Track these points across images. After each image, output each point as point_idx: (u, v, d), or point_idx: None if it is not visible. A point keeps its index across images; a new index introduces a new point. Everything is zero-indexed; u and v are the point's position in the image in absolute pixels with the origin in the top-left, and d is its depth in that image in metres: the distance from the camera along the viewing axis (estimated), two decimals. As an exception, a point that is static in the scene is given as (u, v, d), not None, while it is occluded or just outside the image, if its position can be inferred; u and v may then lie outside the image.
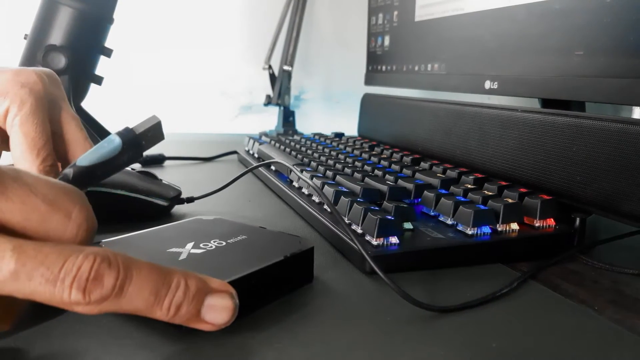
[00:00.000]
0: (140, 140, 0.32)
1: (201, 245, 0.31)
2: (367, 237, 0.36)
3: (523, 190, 0.43)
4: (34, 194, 0.21)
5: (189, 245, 0.31)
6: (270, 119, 1.16)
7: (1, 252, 0.20)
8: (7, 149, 0.37)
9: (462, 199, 0.41)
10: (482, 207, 0.39)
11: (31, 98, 0.36)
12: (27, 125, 0.35)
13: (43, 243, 0.21)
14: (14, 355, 0.24)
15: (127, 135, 0.32)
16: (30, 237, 0.21)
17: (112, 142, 0.31)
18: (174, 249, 0.30)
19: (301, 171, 0.50)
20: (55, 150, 0.37)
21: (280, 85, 1.06)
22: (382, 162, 0.57)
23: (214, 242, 0.32)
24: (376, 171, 0.52)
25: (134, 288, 0.21)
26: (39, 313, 0.28)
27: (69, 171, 0.30)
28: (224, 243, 0.32)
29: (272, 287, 0.30)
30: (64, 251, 0.20)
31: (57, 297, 0.20)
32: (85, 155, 0.31)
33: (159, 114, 0.34)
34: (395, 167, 0.55)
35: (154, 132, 0.33)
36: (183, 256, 0.29)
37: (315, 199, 0.47)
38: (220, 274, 0.26)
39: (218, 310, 0.23)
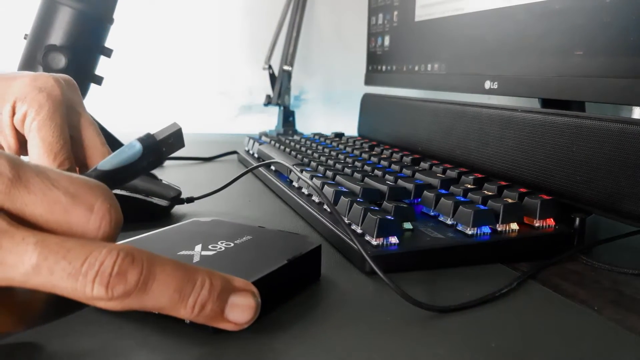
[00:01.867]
0: (161, 147, 0.33)
1: (210, 247, 0.31)
2: (367, 237, 0.36)
3: (523, 190, 0.43)
4: (55, 187, 0.21)
5: (198, 248, 0.31)
6: (270, 119, 1.16)
7: (24, 246, 0.20)
8: (26, 153, 0.37)
9: (462, 199, 0.41)
10: (482, 207, 0.39)
11: (49, 103, 0.36)
12: (44, 129, 0.36)
13: (66, 238, 0.21)
14: (13, 355, 0.24)
15: (148, 141, 0.32)
16: (54, 231, 0.21)
17: (133, 148, 0.32)
18: (184, 252, 0.30)
19: (301, 171, 0.50)
20: (73, 155, 0.37)
21: (280, 85, 1.06)
22: (382, 162, 0.57)
23: (222, 243, 0.32)
24: (376, 171, 0.52)
25: (158, 285, 0.21)
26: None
27: (90, 174, 0.30)
28: (232, 244, 0.32)
29: (289, 285, 0.30)
30: (87, 246, 0.21)
31: (79, 291, 0.20)
32: (106, 160, 0.31)
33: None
34: (395, 167, 0.55)
35: (175, 139, 0.34)
36: (196, 258, 0.29)
37: (315, 199, 0.47)
38: (239, 275, 0.26)
39: (241, 309, 0.23)
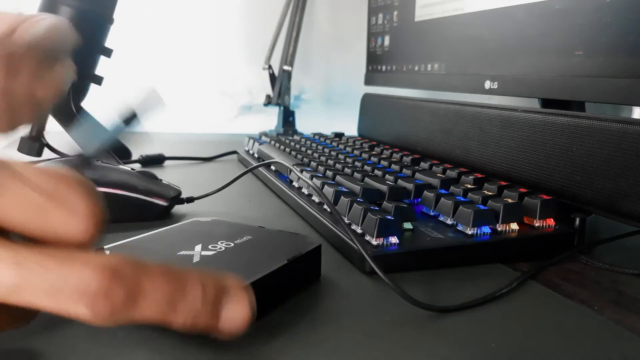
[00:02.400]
0: (141, 116, 0.32)
1: (210, 247, 0.31)
2: (367, 237, 0.36)
3: (523, 190, 0.43)
4: (29, 187, 0.19)
5: (198, 248, 0.31)
6: (270, 119, 1.16)
7: (3, 267, 0.19)
8: None
9: (462, 199, 0.41)
10: (482, 207, 0.39)
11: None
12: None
13: (47, 254, 0.19)
14: (14, 355, 0.24)
15: (128, 116, 0.32)
16: (35, 235, 0.20)
17: (114, 126, 0.31)
18: (184, 252, 0.30)
19: (301, 171, 0.50)
20: None
21: (280, 85, 1.06)
22: (382, 162, 0.57)
23: (222, 243, 0.32)
24: (376, 171, 0.52)
25: (146, 300, 0.20)
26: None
27: (71, 159, 0.30)
28: (232, 244, 0.32)
29: (289, 285, 0.30)
30: (67, 265, 0.19)
31: (63, 311, 0.19)
32: (88, 142, 0.31)
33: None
34: (395, 167, 0.55)
35: (151, 104, 0.33)
36: (196, 259, 0.29)
37: (315, 199, 0.47)
38: (239, 276, 0.26)
39: (235, 317, 0.22)
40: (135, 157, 0.74)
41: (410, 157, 0.59)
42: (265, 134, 0.91)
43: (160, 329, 0.26)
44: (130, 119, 0.32)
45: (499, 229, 0.39)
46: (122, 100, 0.32)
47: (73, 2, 0.59)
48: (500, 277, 0.35)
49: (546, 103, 0.52)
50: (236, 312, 0.22)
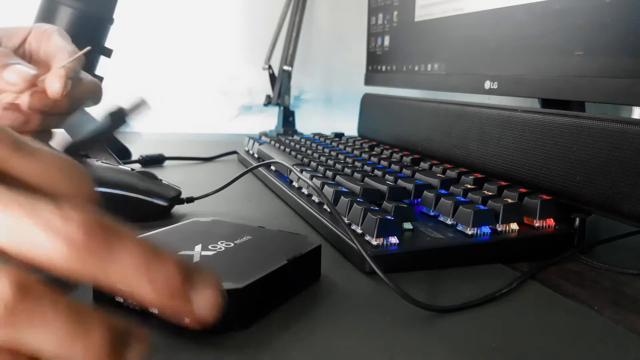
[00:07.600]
0: (128, 119, 0.33)
1: (210, 247, 0.31)
2: (367, 237, 0.36)
3: (523, 190, 0.43)
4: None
5: (198, 248, 0.31)
6: (270, 119, 1.16)
7: None
8: None
9: (462, 199, 0.41)
10: (481, 207, 0.39)
11: None
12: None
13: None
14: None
15: (118, 115, 0.32)
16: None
17: (103, 120, 0.32)
18: (184, 252, 0.30)
19: (301, 171, 0.50)
20: None
21: (280, 85, 1.06)
22: (381, 162, 0.57)
23: (222, 243, 0.32)
24: (376, 171, 0.52)
25: (121, 255, 0.18)
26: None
27: (61, 146, 0.31)
28: (232, 244, 0.32)
29: (289, 285, 0.30)
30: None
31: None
32: (73, 128, 0.31)
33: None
34: (395, 167, 0.55)
35: (139, 106, 0.34)
36: (196, 258, 0.29)
37: (315, 199, 0.47)
38: (239, 276, 0.26)
39: (206, 301, 0.19)
40: (135, 157, 0.74)
41: (410, 157, 0.59)
42: (265, 134, 0.91)
43: (161, 329, 0.26)
44: (118, 116, 0.32)
45: (499, 229, 0.39)
46: (114, 100, 0.33)
47: (73, 2, 0.59)
48: (500, 277, 0.35)
49: (546, 103, 0.52)
50: (207, 296, 0.19)
